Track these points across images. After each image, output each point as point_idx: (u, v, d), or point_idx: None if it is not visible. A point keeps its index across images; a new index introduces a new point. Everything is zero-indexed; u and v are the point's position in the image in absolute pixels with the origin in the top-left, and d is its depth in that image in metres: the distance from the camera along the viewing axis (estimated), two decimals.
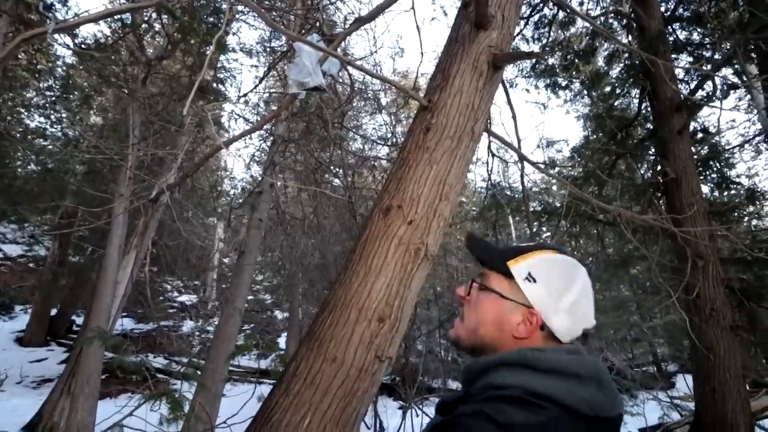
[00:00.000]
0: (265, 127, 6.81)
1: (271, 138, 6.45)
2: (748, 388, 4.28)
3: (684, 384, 9.26)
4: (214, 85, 6.40)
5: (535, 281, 0.84)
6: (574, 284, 0.85)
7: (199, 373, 5.12)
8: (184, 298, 14.64)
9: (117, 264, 5.74)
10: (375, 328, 1.65)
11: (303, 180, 6.54)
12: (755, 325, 4.34)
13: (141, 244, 6.49)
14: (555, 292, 0.83)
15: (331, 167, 5.99)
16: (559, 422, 0.66)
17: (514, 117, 2.50)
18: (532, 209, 3.84)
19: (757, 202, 6.27)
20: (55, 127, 8.89)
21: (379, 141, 5.86)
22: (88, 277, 11.37)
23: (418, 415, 6.78)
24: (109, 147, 5.74)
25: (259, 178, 6.70)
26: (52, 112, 8.73)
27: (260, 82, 5.53)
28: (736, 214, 6.28)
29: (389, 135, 6.10)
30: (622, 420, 0.75)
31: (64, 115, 8.80)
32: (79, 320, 12.79)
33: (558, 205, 5.25)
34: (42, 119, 8.88)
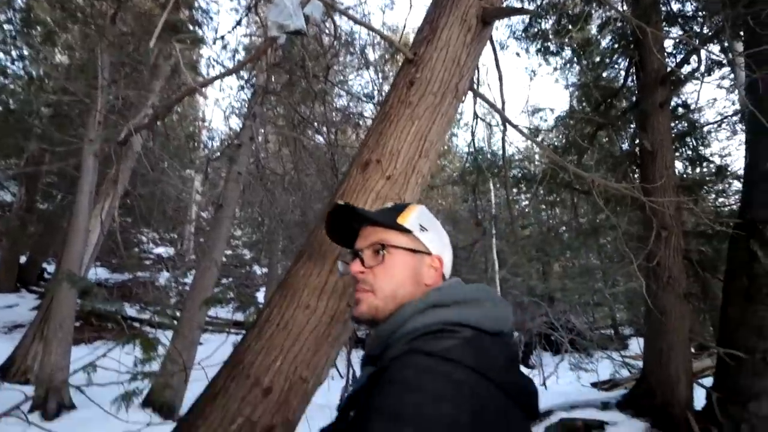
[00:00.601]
0: (245, 76, 6.54)
1: (252, 88, 6.21)
2: (693, 350, 4.63)
3: (636, 346, 9.93)
4: (190, 26, 6.03)
5: (427, 229, 0.91)
6: (437, 222, 0.96)
7: (175, 321, 5.18)
8: (160, 250, 14.47)
9: (88, 212, 5.57)
10: (349, 279, 1.69)
11: (284, 135, 6.38)
12: (707, 294, 4.64)
13: (113, 193, 6.31)
14: (439, 234, 0.93)
15: (314, 123, 5.85)
16: (477, 339, 0.73)
17: (500, 78, 2.47)
18: (511, 175, 3.89)
19: (726, 180, 6.52)
20: (16, 64, 8.29)
21: (364, 98, 5.71)
22: (58, 225, 11.06)
23: None
24: (77, 88, 5.42)
25: (239, 131, 6.50)
26: (12, 47, 8.11)
27: (238, 23, 5.22)
28: (704, 190, 6.52)
29: (375, 92, 5.95)
30: (513, 334, 0.88)
31: (26, 52, 8.20)
32: (51, 268, 12.56)
33: (537, 172, 5.33)
34: (1, 55, 8.26)
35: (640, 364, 6.53)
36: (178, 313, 6.12)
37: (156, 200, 10.84)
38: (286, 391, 1.59)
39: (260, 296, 13.99)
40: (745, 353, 3.54)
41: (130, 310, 10.37)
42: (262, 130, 7.27)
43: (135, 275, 12.70)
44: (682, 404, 3.87)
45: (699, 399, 4.11)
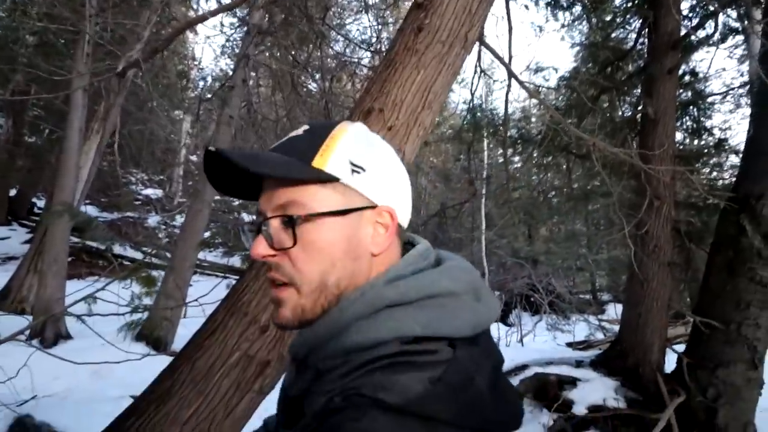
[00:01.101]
0: (240, 14, 6.20)
1: (246, 28, 5.90)
2: (669, 318, 4.85)
3: (613, 312, 10.38)
4: None
5: (362, 169, 0.57)
6: (386, 148, 0.62)
7: (166, 260, 5.25)
8: (149, 191, 14.35)
9: (78, 148, 5.46)
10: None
11: (278, 79, 6.16)
12: (689, 264, 4.79)
13: (103, 129, 6.14)
14: (386, 169, 0.59)
15: (309, 68, 5.64)
16: (456, 365, 0.48)
17: (510, 31, 2.39)
18: (509, 135, 3.85)
19: (723, 154, 6.53)
20: None
21: (361, 45, 5.48)
22: (46, 160, 10.85)
23: None
24: (63, 16, 5.11)
25: (231, 72, 6.26)
26: None
27: None
28: (700, 162, 6.55)
29: (373, 39, 5.70)
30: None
31: None
32: (40, 203, 12.46)
33: (535, 133, 5.28)
34: None
35: (616, 328, 6.83)
36: (168, 255, 6.19)
37: (145, 140, 10.60)
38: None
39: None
40: (721, 323, 3.70)
41: (119, 249, 10.48)
42: (254, 74, 7.01)
43: (124, 215, 12.68)
44: (653, 366, 4.10)
45: (669, 364, 4.36)
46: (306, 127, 0.60)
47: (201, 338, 1.71)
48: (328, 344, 0.53)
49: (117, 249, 10.33)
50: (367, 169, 0.57)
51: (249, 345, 1.64)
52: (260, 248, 0.55)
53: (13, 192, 11.75)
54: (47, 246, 5.38)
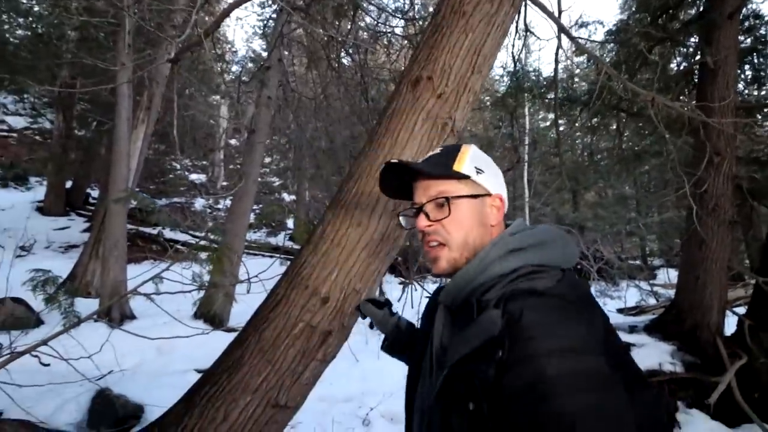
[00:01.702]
0: None
1: (279, 6, 5.86)
2: (728, 279, 4.61)
3: (665, 277, 9.96)
4: None
5: (483, 171, 0.91)
6: (491, 161, 0.96)
7: (219, 241, 5.49)
8: (193, 176, 14.94)
9: (127, 137, 5.71)
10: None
11: (312, 56, 6.12)
12: (752, 222, 4.49)
13: (148, 118, 6.38)
14: (495, 173, 0.94)
15: (344, 42, 5.56)
16: (569, 274, 0.80)
17: None
18: (555, 97, 3.66)
19: None
20: None
21: (395, 14, 5.32)
22: (96, 151, 11.45)
23: (416, 290, 7.45)
24: (103, 10, 5.27)
25: (264, 52, 6.28)
26: None
27: None
28: (763, 113, 6.03)
29: (407, 6, 5.51)
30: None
31: None
32: (94, 193, 13.24)
33: (581, 93, 4.99)
34: None
35: (668, 293, 6.55)
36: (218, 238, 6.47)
37: (187, 127, 10.95)
38: (341, 300, 1.71)
39: (289, 223, 14.52)
40: None
41: (170, 233, 11.04)
42: (287, 53, 7.00)
43: (172, 200, 13.31)
44: (713, 329, 3.94)
45: (729, 327, 4.17)
46: (439, 149, 0.96)
47: (266, 310, 1.79)
48: (478, 278, 0.81)
49: (168, 233, 10.92)
50: (486, 171, 0.92)
51: (311, 316, 1.70)
52: (423, 222, 0.88)
53: (68, 184, 12.53)
54: (107, 232, 5.74)
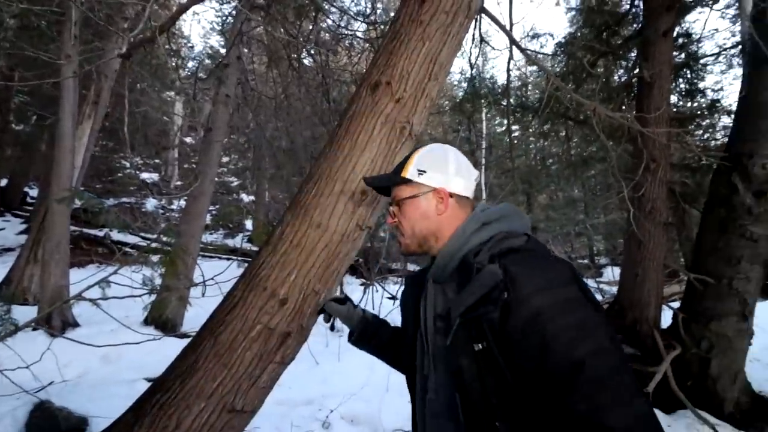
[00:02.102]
0: None
1: (239, 2, 5.74)
2: (664, 276, 4.99)
3: (611, 274, 10.61)
4: None
5: (425, 171, 1.12)
6: (447, 156, 1.16)
7: (170, 247, 5.27)
8: (145, 176, 14.22)
9: (72, 133, 5.37)
10: (358, 200, 1.74)
11: (273, 55, 6.03)
12: (684, 224, 4.90)
13: (95, 114, 6.04)
14: (441, 169, 1.13)
15: (305, 42, 5.53)
16: (530, 239, 1.01)
17: None
18: (509, 103, 3.84)
19: (716, 115, 6.56)
20: None
21: (357, 17, 5.36)
22: (36, 148, 10.67)
23: (377, 291, 7.51)
24: None
25: (222, 49, 6.11)
26: None
27: None
28: (695, 124, 6.59)
29: (368, 10, 5.57)
30: None
31: None
32: (33, 192, 12.33)
33: (533, 101, 5.25)
34: None
35: (614, 289, 6.99)
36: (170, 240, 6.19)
37: (137, 124, 10.42)
38: (300, 301, 1.71)
39: (248, 224, 14.15)
40: (714, 279, 3.84)
41: (119, 236, 10.44)
42: (246, 50, 6.85)
43: (120, 200, 12.60)
44: (651, 323, 4.26)
45: (665, 320, 4.52)
46: (403, 156, 1.25)
47: (222, 313, 1.76)
48: (462, 249, 1.02)
49: (116, 235, 10.33)
50: (428, 171, 1.13)
51: (269, 318, 1.69)
52: (389, 219, 1.21)
53: (3, 182, 11.60)
54: (48, 234, 5.36)
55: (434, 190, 1.11)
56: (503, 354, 0.81)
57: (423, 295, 1.11)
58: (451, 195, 1.12)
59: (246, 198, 15.89)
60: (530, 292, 0.81)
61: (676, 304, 4.58)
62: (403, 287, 1.29)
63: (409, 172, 1.13)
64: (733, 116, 4.49)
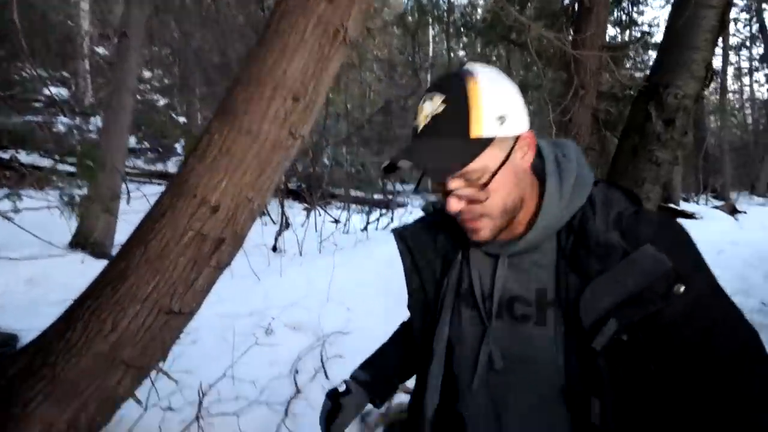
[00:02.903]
0: None
1: None
2: None
3: None
4: None
5: (505, 118, 0.73)
6: (505, 77, 0.79)
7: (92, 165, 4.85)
8: (53, 91, 12.41)
9: None
10: (290, 107, 1.71)
11: None
12: (604, 149, 5.33)
13: None
14: (513, 100, 0.76)
15: None
16: (626, 192, 0.85)
17: None
18: (452, 20, 3.75)
19: (648, 50, 6.88)
20: None
21: None
22: None
23: (320, 215, 7.57)
24: None
25: None
26: None
27: None
28: (626, 56, 6.89)
29: None
30: None
31: None
32: None
33: (476, 22, 5.17)
34: None
35: None
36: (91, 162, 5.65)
37: (35, 27, 8.89)
38: (233, 209, 1.72)
39: (178, 147, 13.17)
40: None
41: (27, 158, 9.32)
42: None
43: (25, 118, 11.05)
44: None
45: None
46: (438, 97, 0.74)
47: (151, 222, 1.73)
48: (564, 217, 0.77)
49: (24, 158, 9.21)
50: (507, 115, 0.73)
51: (201, 225, 1.69)
52: (455, 205, 0.75)
53: None
54: None
55: (518, 138, 0.76)
56: (659, 344, 0.69)
57: (455, 264, 0.88)
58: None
59: (173, 115, 14.59)
60: (688, 273, 0.68)
61: None
62: (400, 244, 0.95)
63: (487, 126, 0.71)
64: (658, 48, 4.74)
